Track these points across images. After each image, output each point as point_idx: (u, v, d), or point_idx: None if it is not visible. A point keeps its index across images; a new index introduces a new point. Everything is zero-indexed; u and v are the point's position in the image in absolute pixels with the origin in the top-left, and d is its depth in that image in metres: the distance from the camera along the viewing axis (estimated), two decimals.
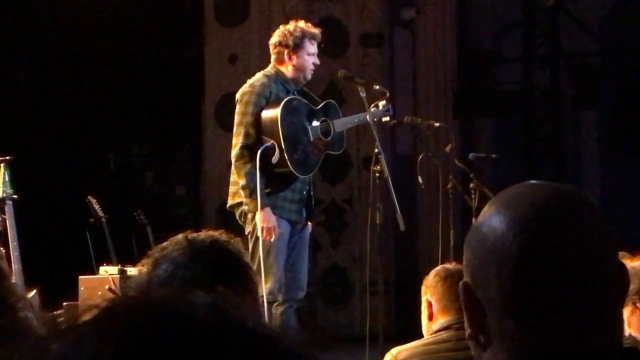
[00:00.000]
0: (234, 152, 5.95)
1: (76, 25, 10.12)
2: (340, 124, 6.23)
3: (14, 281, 6.19)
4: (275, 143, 5.84)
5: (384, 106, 6.25)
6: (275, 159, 5.81)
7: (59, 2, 10.02)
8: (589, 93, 12.10)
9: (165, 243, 2.31)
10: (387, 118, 6.37)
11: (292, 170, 5.85)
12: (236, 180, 6.02)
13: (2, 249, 6.53)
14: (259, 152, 5.77)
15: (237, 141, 5.96)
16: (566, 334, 1.35)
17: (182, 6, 10.93)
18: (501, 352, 1.38)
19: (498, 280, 1.36)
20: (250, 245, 5.84)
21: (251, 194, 5.81)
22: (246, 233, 5.97)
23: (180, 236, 2.31)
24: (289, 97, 6.00)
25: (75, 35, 10.10)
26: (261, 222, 5.82)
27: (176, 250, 2.27)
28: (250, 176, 5.81)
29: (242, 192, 5.88)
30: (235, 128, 6.04)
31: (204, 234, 2.36)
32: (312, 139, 6.02)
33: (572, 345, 1.35)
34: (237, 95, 6.12)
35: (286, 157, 5.83)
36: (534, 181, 1.47)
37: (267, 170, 5.87)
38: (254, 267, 5.86)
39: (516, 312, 1.35)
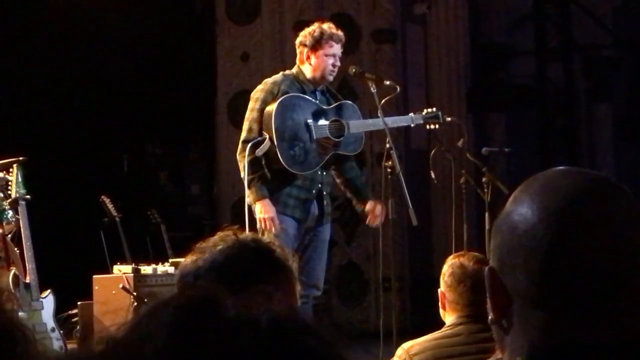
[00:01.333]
0: (239, 146, 6.02)
1: (89, 25, 10.14)
2: (358, 125, 6.22)
3: (28, 280, 6.23)
4: (268, 137, 5.87)
5: (429, 113, 6.39)
6: (260, 151, 5.86)
7: (73, 3, 10.04)
8: (603, 85, 12.07)
9: (214, 237, 2.36)
10: (436, 126, 6.47)
11: (285, 165, 5.86)
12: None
13: (16, 249, 6.57)
14: (249, 145, 5.86)
15: (241, 136, 6.05)
16: (597, 327, 1.33)
17: (194, 5, 10.94)
18: (523, 338, 1.36)
19: (527, 270, 1.34)
20: None
21: (249, 185, 5.88)
22: (257, 228, 5.99)
23: (227, 232, 2.37)
24: (290, 95, 6.02)
25: (89, 35, 10.12)
26: (259, 212, 5.86)
27: (222, 245, 2.32)
28: (249, 168, 5.86)
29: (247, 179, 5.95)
30: (244, 124, 6.11)
31: (250, 235, 2.49)
32: (315, 137, 6.01)
33: (603, 337, 1.33)
34: (252, 94, 6.22)
35: (278, 152, 5.85)
36: (567, 167, 1.43)
37: (268, 166, 5.93)
38: None
39: (544, 303, 1.34)
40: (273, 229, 5.85)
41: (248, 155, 5.90)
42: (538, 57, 11.54)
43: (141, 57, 10.42)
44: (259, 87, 6.15)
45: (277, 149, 5.87)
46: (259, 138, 5.92)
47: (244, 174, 5.94)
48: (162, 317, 0.95)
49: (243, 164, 5.93)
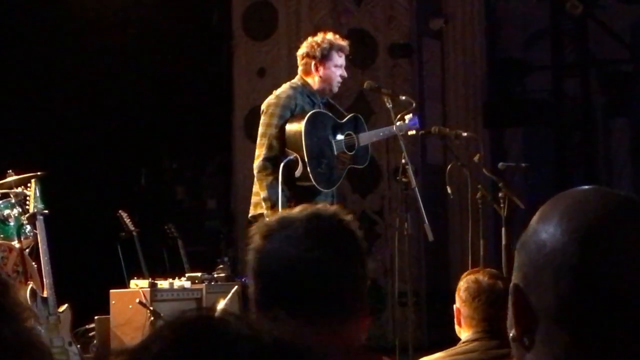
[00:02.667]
0: (257, 163, 5.92)
1: (108, 41, 10.20)
2: (365, 137, 6.18)
3: (46, 295, 6.25)
4: (298, 157, 5.81)
5: (410, 119, 6.21)
6: (298, 172, 5.78)
7: (90, 19, 10.11)
8: (620, 100, 12.03)
9: (282, 215, 2.04)
10: (414, 132, 6.33)
11: (315, 184, 5.82)
12: (258, 191, 6.00)
13: (34, 263, 6.61)
14: (282, 165, 5.75)
15: (259, 152, 5.94)
16: (623, 351, 1.31)
17: (210, 20, 10.98)
18: (546, 357, 1.35)
19: (555, 289, 1.33)
20: None
21: (273, 206, 5.77)
22: None
23: (300, 210, 2.02)
24: (314, 111, 5.97)
25: (106, 51, 10.18)
26: None
27: (294, 225, 1.98)
28: (272, 189, 5.78)
29: (263, 204, 5.86)
30: (258, 139, 6.01)
31: (330, 212, 2.04)
32: (335, 153, 5.97)
33: None
34: (262, 106, 6.10)
35: (309, 171, 5.80)
36: (596, 186, 1.42)
37: (290, 183, 5.84)
38: None
39: (570, 323, 1.33)
40: None
41: (273, 174, 5.79)
42: (555, 72, 11.53)
43: (158, 72, 10.47)
44: (272, 100, 6.04)
45: (308, 168, 5.80)
46: (290, 157, 5.81)
47: (267, 193, 5.82)
48: (162, 332, 1.02)
49: (266, 182, 5.82)
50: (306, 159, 5.79)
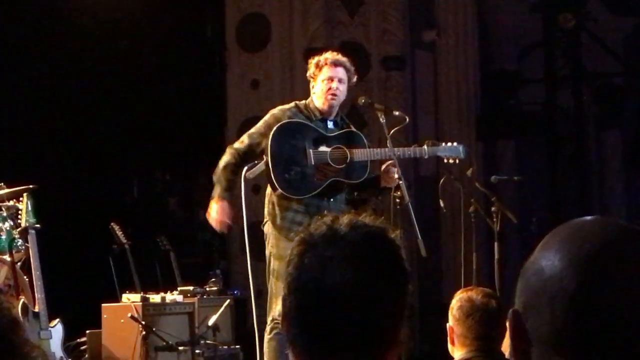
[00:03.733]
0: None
1: (99, 53, 10.19)
2: (363, 154, 6.14)
3: (37, 310, 6.23)
4: (264, 161, 5.92)
5: (451, 147, 6.36)
6: (250, 174, 5.96)
7: (83, 30, 10.10)
8: (613, 113, 12.07)
9: (328, 227, 1.75)
10: (456, 160, 6.43)
11: (278, 188, 5.85)
12: (265, 202, 6.06)
13: (26, 277, 6.58)
14: (245, 169, 5.92)
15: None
16: None
17: (204, 31, 10.99)
18: None
19: (551, 315, 1.34)
20: (267, 268, 5.90)
21: (215, 183, 5.98)
22: (266, 254, 5.99)
23: (347, 222, 1.74)
24: (288, 120, 6.00)
25: (99, 62, 10.17)
26: (210, 209, 5.98)
27: (342, 242, 1.72)
28: (222, 170, 5.94)
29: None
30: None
31: (380, 231, 1.75)
32: (313, 163, 5.97)
33: None
34: None
35: (272, 175, 5.85)
36: (599, 216, 1.43)
37: (278, 200, 5.93)
38: (269, 291, 5.91)
39: (565, 349, 1.33)
40: (218, 227, 5.99)
41: (231, 159, 5.94)
42: (548, 85, 11.56)
43: (151, 83, 10.47)
44: (273, 111, 6.12)
45: (271, 172, 5.87)
46: (255, 162, 5.97)
47: (217, 171, 5.99)
48: None
49: (222, 162, 5.98)
50: (270, 163, 5.83)
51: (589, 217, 1.42)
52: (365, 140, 6.28)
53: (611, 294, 1.32)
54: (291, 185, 5.90)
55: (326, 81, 5.98)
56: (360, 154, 6.10)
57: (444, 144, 6.34)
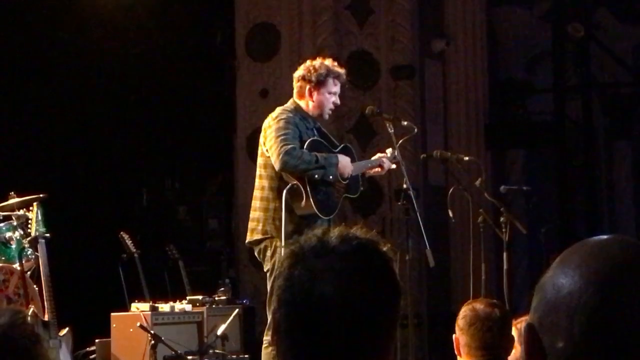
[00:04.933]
0: (280, 156, 5.70)
1: (109, 62, 10.22)
2: (356, 168, 6.14)
3: (47, 319, 6.25)
4: (299, 184, 5.79)
5: (390, 153, 6.22)
6: (303, 202, 5.77)
7: (92, 39, 10.13)
8: (622, 123, 12.05)
9: (318, 239, 1.73)
10: (394, 166, 6.29)
11: (316, 211, 5.78)
12: (256, 217, 5.95)
13: (35, 286, 6.60)
14: (285, 191, 5.71)
15: (277, 146, 5.73)
16: None
17: (214, 40, 11.01)
18: None
19: (569, 331, 1.34)
20: (269, 284, 5.76)
21: (316, 166, 5.75)
22: (265, 270, 5.94)
23: (337, 235, 1.73)
24: (312, 138, 5.94)
25: (108, 71, 10.20)
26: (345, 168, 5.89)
27: (331, 255, 1.70)
28: (308, 157, 5.73)
29: (310, 172, 5.77)
30: (271, 142, 5.80)
31: (371, 245, 1.73)
32: (332, 181, 5.93)
33: None
34: (265, 124, 5.99)
35: (310, 198, 5.77)
36: (619, 235, 1.45)
37: (291, 214, 5.83)
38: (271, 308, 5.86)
39: None
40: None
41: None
42: (557, 95, 11.55)
43: (161, 92, 10.49)
44: (279, 115, 5.94)
45: (309, 194, 5.76)
46: (292, 183, 5.76)
47: (307, 161, 5.75)
48: None
49: (301, 157, 5.73)
50: (307, 186, 5.76)
51: (607, 236, 1.44)
52: (354, 154, 6.28)
53: (630, 312, 1.33)
54: (322, 206, 5.84)
55: (332, 95, 5.97)
56: (355, 169, 6.08)
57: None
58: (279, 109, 6.03)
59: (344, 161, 5.90)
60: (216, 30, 10.97)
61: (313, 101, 5.97)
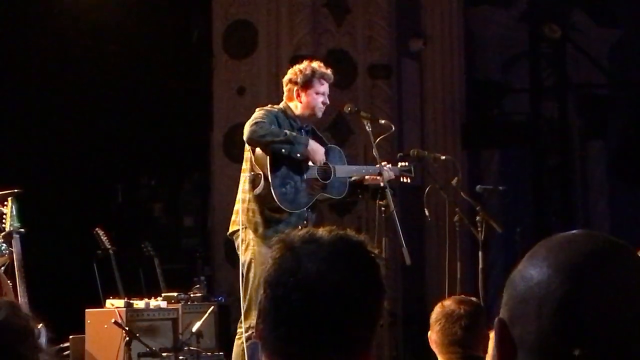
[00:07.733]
0: (249, 126, 5.83)
1: (85, 58, 10.18)
2: (344, 170, 6.22)
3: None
4: (262, 174, 5.87)
5: (404, 167, 6.35)
6: (258, 189, 5.86)
7: (70, 35, 10.09)
8: (597, 124, 12.13)
9: (307, 231, 1.82)
10: (408, 180, 6.43)
11: (277, 202, 5.86)
12: (235, 209, 6.06)
13: (9, 282, 6.55)
14: (247, 177, 5.89)
15: (249, 122, 5.88)
16: None
17: (191, 38, 10.99)
18: None
19: (537, 320, 1.35)
20: (243, 274, 5.90)
21: (283, 140, 5.85)
22: (241, 262, 5.99)
23: (327, 229, 1.82)
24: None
25: (84, 67, 10.16)
26: (316, 154, 5.97)
27: (319, 242, 1.78)
28: (277, 130, 5.84)
29: (276, 144, 5.85)
30: (246, 124, 5.96)
31: (358, 239, 1.81)
32: (305, 177, 6.02)
33: None
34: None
35: (271, 189, 5.85)
36: (588, 230, 1.47)
37: (261, 207, 5.93)
38: (245, 301, 5.91)
39: (551, 355, 1.35)
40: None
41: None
42: (532, 95, 11.61)
43: (137, 89, 10.46)
44: (262, 108, 6.09)
45: (270, 186, 5.88)
46: (253, 173, 5.92)
47: (273, 133, 5.82)
48: None
49: (265, 129, 5.81)
50: (269, 177, 5.84)
51: (576, 231, 1.45)
52: (344, 158, 6.34)
53: (597, 301, 1.34)
54: (287, 199, 5.94)
55: (320, 95, 6.09)
56: (342, 171, 6.18)
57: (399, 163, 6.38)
58: (270, 108, 6.15)
59: (315, 146, 5.97)
60: (193, 28, 10.94)
61: (301, 102, 6.11)
